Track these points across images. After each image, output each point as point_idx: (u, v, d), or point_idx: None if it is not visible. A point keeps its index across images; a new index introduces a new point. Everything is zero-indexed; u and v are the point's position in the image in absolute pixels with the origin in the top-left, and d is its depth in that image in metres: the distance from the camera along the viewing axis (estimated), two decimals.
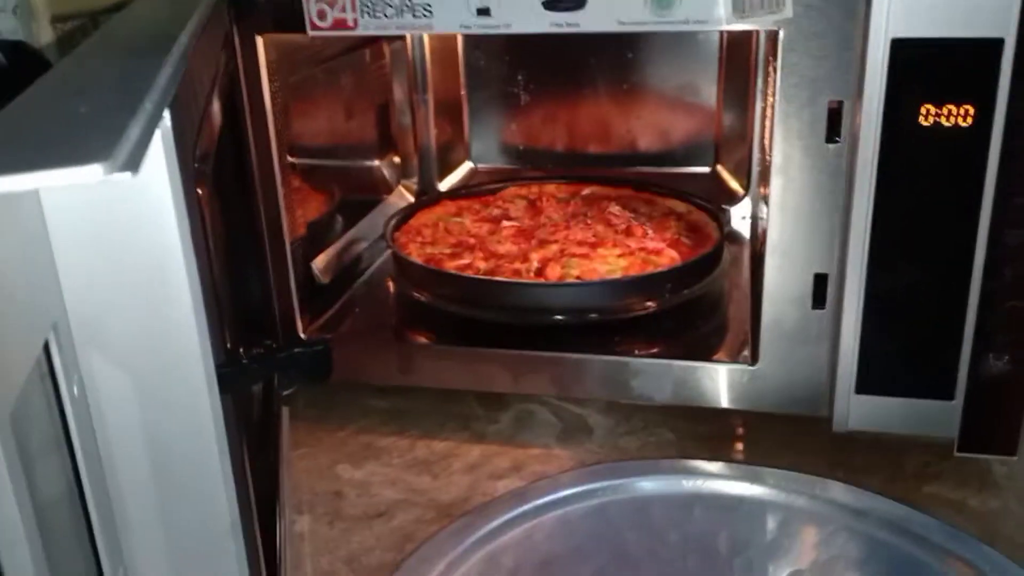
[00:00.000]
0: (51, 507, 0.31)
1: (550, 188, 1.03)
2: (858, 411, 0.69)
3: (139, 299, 0.34)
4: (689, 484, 0.67)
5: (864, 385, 0.68)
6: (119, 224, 0.32)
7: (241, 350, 0.47)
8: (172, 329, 0.35)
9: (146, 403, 0.36)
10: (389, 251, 0.92)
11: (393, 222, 0.94)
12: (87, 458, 0.34)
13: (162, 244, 0.33)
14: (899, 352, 0.67)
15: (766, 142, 0.74)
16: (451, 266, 0.86)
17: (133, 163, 0.26)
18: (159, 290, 0.34)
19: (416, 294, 0.86)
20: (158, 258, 0.33)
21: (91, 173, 0.25)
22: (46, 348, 0.32)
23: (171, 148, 0.32)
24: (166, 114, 0.32)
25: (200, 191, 0.38)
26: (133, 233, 0.33)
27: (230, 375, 0.38)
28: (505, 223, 0.96)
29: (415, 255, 0.88)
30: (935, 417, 0.68)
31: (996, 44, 0.58)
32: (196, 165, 0.38)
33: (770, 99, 0.69)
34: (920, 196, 0.63)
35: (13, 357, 0.28)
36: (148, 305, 0.34)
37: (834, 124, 0.64)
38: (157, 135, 0.31)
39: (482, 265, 0.86)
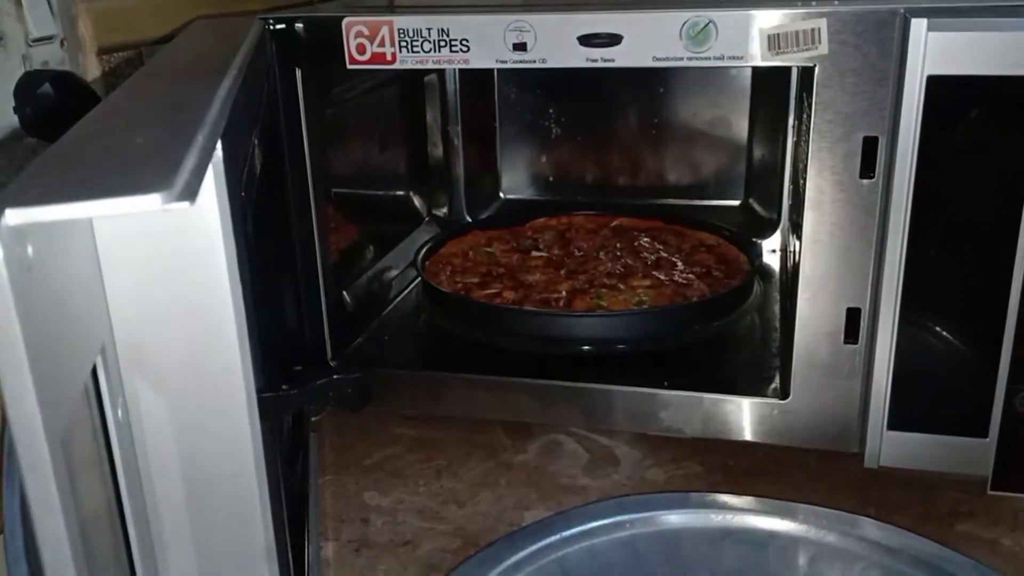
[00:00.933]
0: (92, 525, 0.32)
1: (579, 219, 1.04)
2: (890, 447, 0.69)
3: (185, 325, 0.35)
4: (719, 518, 0.66)
5: (896, 421, 0.68)
6: (168, 252, 0.33)
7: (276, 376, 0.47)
8: (216, 355, 0.35)
9: (187, 427, 0.36)
10: (418, 280, 0.92)
11: (424, 251, 0.94)
12: (128, 479, 0.35)
13: (210, 272, 0.33)
14: (932, 389, 0.66)
15: (799, 176, 0.74)
16: (480, 295, 0.87)
17: (190, 193, 0.26)
18: (205, 317, 0.34)
19: (445, 323, 0.87)
20: (206, 286, 0.34)
21: (150, 202, 0.26)
22: (93, 372, 0.33)
23: (221, 179, 0.33)
24: (218, 145, 0.32)
25: (245, 219, 0.39)
26: (182, 261, 0.33)
27: (270, 401, 0.38)
28: (535, 253, 0.97)
29: (445, 284, 0.89)
30: (968, 455, 0.67)
31: None
32: (242, 194, 0.39)
33: (803, 133, 0.69)
34: (955, 233, 0.63)
35: (65, 381, 0.29)
36: (193, 331, 0.35)
37: (868, 160, 0.64)
38: (209, 166, 0.32)
39: (511, 295, 0.87)
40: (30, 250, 0.26)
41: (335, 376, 0.43)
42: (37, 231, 0.26)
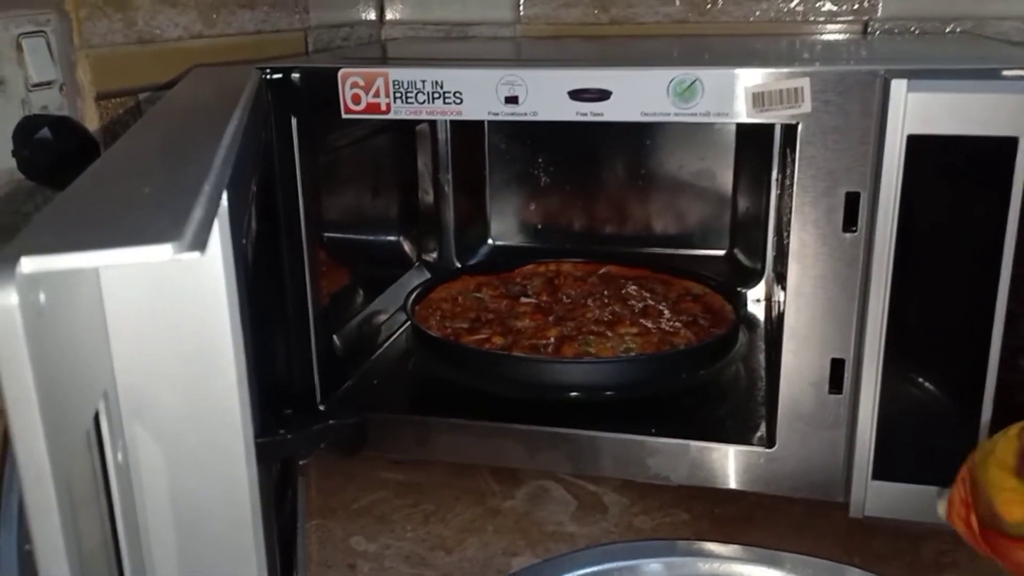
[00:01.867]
0: (89, 565, 0.32)
1: (567, 266, 1.05)
2: (874, 497, 0.69)
3: (185, 371, 0.35)
4: (706, 567, 0.67)
5: (881, 471, 0.68)
6: (172, 300, 0.34)
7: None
8: (216, 402, 0.36)
9: (185, 472, 0.37)
10: (407, 324, 0.93)
11: (413, 296, 0.95)
12: (126, 522, 0.35)
13: (213, 321, 0.34)
14: (916, 439, 0.67)
15: (783, 228, 0.75)
16: (469, 340, 0.87)
17: (200, 243, 0.27)
18: (206, 364, 0.35)
19: (434, 367, 0.87)
20: (207, 334, 0.34)
21: (161, 252, 0.26)
22: (95, 416, 0.33)
23: (226, 228, 0.34)
24: (224, 195, 0.33)
25: (247, 267, 0.40)
26: (186, 309, 0.34)
27: (267, 446, 0.39)
28: (523, 299, 0.97)
29: (435, 329, 0.89)
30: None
31: (1011, 143, 0.60)
32: (243, 242, 0.40)
33: (786, 187, 0.71)
34: (937, 286, 0.64)
35: (70, 425, 0.29)
36: (194, 378, 0.35)
37: (851, 214, 0.65)
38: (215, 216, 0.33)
39: (500, 340, 0.87)
40: (42, 297, 0.27)
41: (331, 421, 0.43)
42: (48, 279, 0.27)
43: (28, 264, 0.26)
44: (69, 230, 0.29)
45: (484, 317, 0.93)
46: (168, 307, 0.34)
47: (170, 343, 0.35)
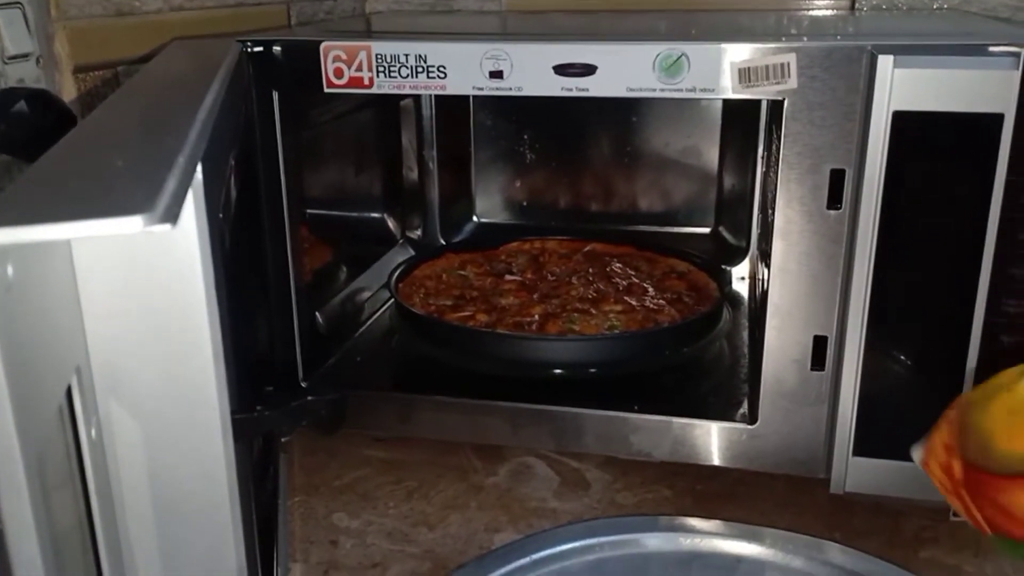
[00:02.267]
0: (63, 544, 0.32)
1: (552, 244, 1.05)
2: (855, 473, 0.70)
3: (160, 347, 0.35)
4: (687, 542, 0.67)
5: (862, 448, 0.69)
6: (146, 274, 0.33)
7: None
8: (191, 377, 0.35)
9: (161, 448, 0.36)
10: (391, 302, 0.93)
11: (397, 273, 0.95)
12: (100, 499, 0.35)
13: (188, 295, 0.34)
14: (897, 415, 0.68)
15: (768, 205, 0.75)
16: (453, 318, 0.87)
17: (171, 215, 0.27)
18: (181, 339, 0.35)
19: (418, 345, 0.87)
20: (182, 308, 0.34)
21: (131, 224, 0.26)
22: (68, 391, 0.33)
23: (201, 201, 0.33)
24: (198, 168, 0.33)
25: (223, 241, 0.39)
26: (160, 283, 0.34)
27: (244, 423, 0.38)
28: (508, 277, 0.97)
29: (418, 306, 0.89)
30: (932, 481, 0.68)
31: (996, 119, 0.60)
32: (220, 215, 0.39)
33: (772, 164, 0.71)
34: (919, 263, 0.64)
35: (41, 401, 0.29)
36: (169, 353, 0.35)
37: (835, 191, 0.65)
38: (191, 192, 0.32)
39: (484, 318, 0.87)
40: (10, 270, 0.26)
41: (309, 397, 0.43)
42: (17, 251, 0.27)
43: None
44: (39, 202, 0.28)
45: (468, 295, 0.93)
46: (142, 281, 0.33)
47: (145, 318, 0.34)
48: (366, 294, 0.97)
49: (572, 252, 1.03)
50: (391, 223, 1.08)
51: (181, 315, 0.34)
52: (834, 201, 0.65)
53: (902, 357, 0.66)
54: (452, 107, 1.09)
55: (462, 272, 0.98)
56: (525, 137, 1.10)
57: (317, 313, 0.86)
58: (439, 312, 0.88)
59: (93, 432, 0.34)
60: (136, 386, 0.35)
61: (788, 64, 0.64)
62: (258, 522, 0.51)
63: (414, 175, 1.09)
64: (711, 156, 1.07)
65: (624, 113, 1.07)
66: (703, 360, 0.86)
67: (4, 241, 0.25)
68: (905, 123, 0.62)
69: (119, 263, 0.33)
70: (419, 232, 1.12)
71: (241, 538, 0.39)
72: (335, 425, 0.43)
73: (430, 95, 1.05)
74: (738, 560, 0.66)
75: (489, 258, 1.02)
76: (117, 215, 0.26)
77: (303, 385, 0.81)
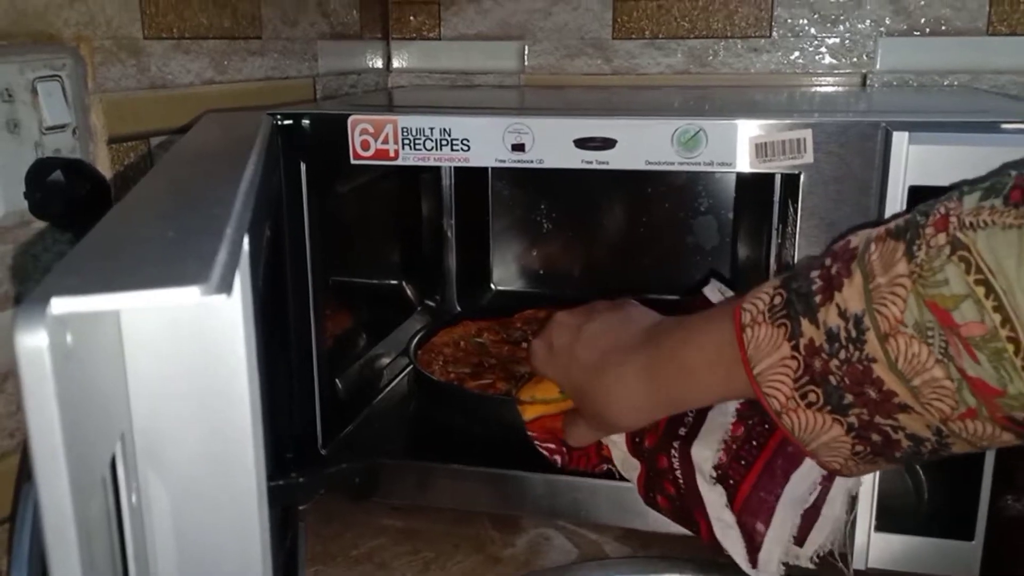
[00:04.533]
0: None
1: None
2: (877, 549, 0.69)
3: (201, 415, 0.35)
4: None
5: (883, 524, 0.68)
6: (191, 343, 0.34)
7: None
8: (230, 445, 0.36)
9: (197, 513, 0.37)
10: (408, 368, 0.93)
11: (416, 340, 0.95)
12: (138, 566, 0.35)
13: (230, 364, 0.34)
14: (918, 491, 0.67)
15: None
16: (473, 386, 0.87)
17: (226, 285, 0.28)
18: (222, 406, 0.35)
19: (437, 412, 0.87)
20: (224, 378, 0.35)
21: (188, 295, 0.27)
22: (112, 458, 0.33)
23: (247, 272, 0.34)
24: (245, 239, 0.34)
25: (264, 312, 0.40)
26: (203, 352, 0.34)
27: (278, 490, 0.39)
28: (524, 345, 0.98)
29: (437, 374, 0.89)
30: (954, 557, 0.68)
31: None
32: (260, 285, 0.40)
33: (788, 236, 0.72)
34: None
35: (89, 467, 0.29)
36: (209, 421, 0.36)
37: None
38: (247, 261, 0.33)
39: (503, 386, 0.87)
40: (69, 338, 0.27)
41: (344, 465, 0.43)
42: (74, 320, 0.28)
43: (58, 305, 0.26)
44: (96, 272, 0.29)
45: (486, 362, 0.93)
46: (187, 350, 0.34)
47: (187, 385, 0.35)
48: (384, 361, 0.98)
49: None
50: (409, 290, 1.10)
51: (223, 383, 0.35)
52: None
53: None
54: (471, 177, 1.11)
55: (479, 340, 0.99)
56: (542, 207, 1.12)
57: (337, 380, 0.86)
58: (459, 380, 0.89)
59: (134, 498, 0.34)
60: (176, 453, 0.35)
61: (804, 140, 0.66)
62: None
63: (432, 243, 1.11)
64: (726, 227, 1.08)
65: (640, 184, 1.09)
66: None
67: (66, 311, 0.26)
68: (921, 198, 0.62)
69: (166, 332, 0.34)
70: (437, 299, 1.13)
71: None
72: (368, 492, 0.43)
73: (451, 166, 1.07)
74: None
75: (505, 326, 1.03)
76: (174, 285, 0.27)
77: (323, 452, 0.81)
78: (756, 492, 0.65)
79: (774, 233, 1.00)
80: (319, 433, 0.80)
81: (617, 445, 0.71)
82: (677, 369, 0.61)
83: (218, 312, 0.33)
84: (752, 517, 0.65)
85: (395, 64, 1.22)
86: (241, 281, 0.34)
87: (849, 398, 0.51)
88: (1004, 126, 0.62)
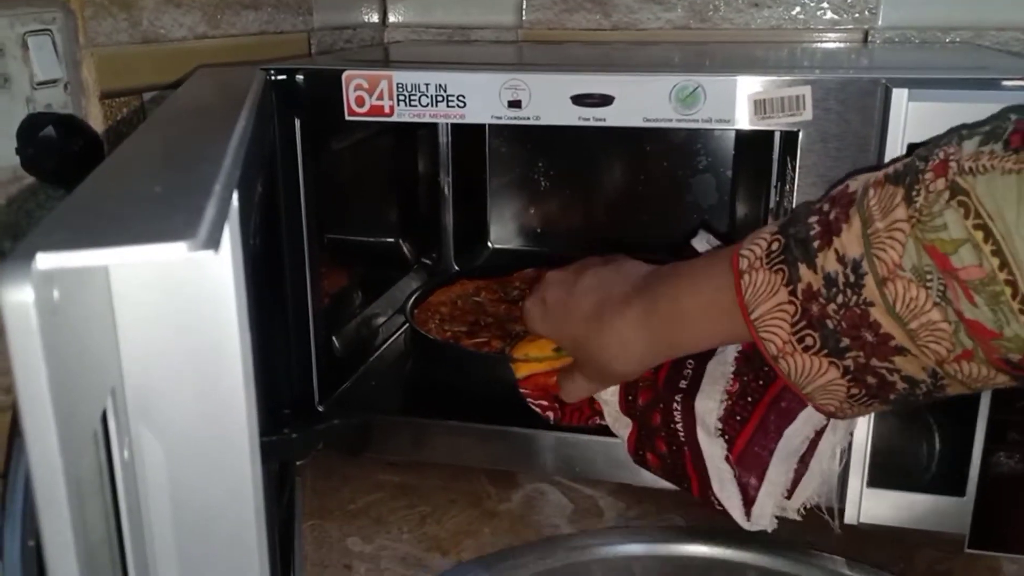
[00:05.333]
0: (95, 560, 0.32)
1: None
2: (869, 505, 0.70)
3: (192, 371, 0.35)
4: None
5: (876, 479, 0.69)
6: (181, 299, 0.34)
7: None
8: (222, 400, 0.36)
9: (190, 468, 0.37)
10: (405, 327, 0.93)
11: (413, 299, 0.95)
12: (131, 521, 0.35)
13: (221, 319, 0.34)
14: (911, 448, 0.68)
15: None
16: (468, 343, 0.88)
17: (213, 241, 0.27)
18: (213, 363, 0.35)
19: (433, 370, 0.87)
20: (215, 333, 0.34)
21: (176, 250, 0.27)
22: (103, 413, 0.33)
23: (236, 227, 0.34)
24: (234, 195, 0.34)
25: (255, 268, 0.40)
26: (194, 308, 0.34)
27: (271, 445, 0.39)
28: (520, 304, 0.98)
29: (434, 332, 0.90)
30: (946, 513, 0.68)
31: None
32: (251, 242, 0.40)
33: (785, 194, 0.71)
34: None
35: (80, 423, 0.30)
36: (201, 377, 0.35)
37: None
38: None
39: (498, 344, 0.88)
40: (56, 294, 0.27)
41: (336, 421, 0.44)
42: (61, 276, 0.27)
43: (44, 260, 0.26)
44: (83, 228, 0.29)
45: (483, 321, 0.93)
46: (177, 305, 0.34)
47: (178, 341, 0.35)
48: (381, 319, 0.98)
49: None
50: (406, 248, 1.09)
51: (214, 338, 0.35)
52: None
53: None
54: (468, 134, 1.11)
55: (477, 298, 0.99)
56: (540, 164, 1.12)
57: (334, 337, 0.87)
58: (455, 338, 0.89)
59: (126, 453, 0.34)
60: (168, 408, 0.35)
61: (803, 96, 0.65)
62: (279, 545, 0.52)
63: (429, 201, 1.10)
64: (724, 184, 1.08)
65: (638, 141, 1.08)
66: None
67: (53, 266, 0.26)
68: None
69: (155, 287, 0.33)
70: (434, 257, 1.12)
71: (267, 560, 0.39)
72: (360, 447, 0.44)
73: (447, 123, 1.06)
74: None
75: (503, 284, 1.03)
76: (161, 241, 0.27)
77: (319, 409, 0.81)
78: (751, 447, 0.65)
79: (773, 191, 1.00)
80: (316, 390, 0.81)
81: (609, 404, 0.72)
82: (675, 314, 0.61)
83: (207, 268, 0.33)
84: (747, 471, 0.66)
85: (391, 19, 1.21)
86: (231, 237, 0.34)
87: (846, 342, 0.52)
88: (1005, 83, 0.62)
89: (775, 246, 0.55)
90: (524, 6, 1.15)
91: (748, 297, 0.55)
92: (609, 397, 0.72)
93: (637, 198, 1.11)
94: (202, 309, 0.34)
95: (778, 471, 0.66)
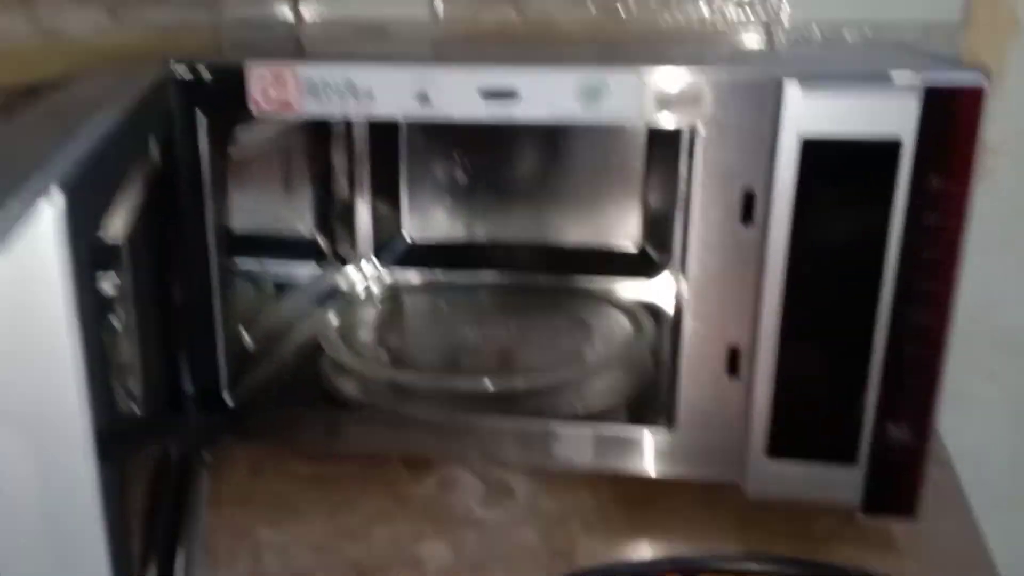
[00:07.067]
0: None
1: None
2: (769, 476, 0.73)
3: (24, 370, 0.36)
4: None
5: (774, 450, 0.72)
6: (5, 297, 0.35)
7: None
8: (56, 397, 0.37)
9: (33, 466, 0.37)
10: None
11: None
12: None
13: (48, 318, 0.35)
14: (808, 419, 0.71)
15: (687, 223, 0.77)
16: None
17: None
18: (46, 359, 0.36)
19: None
20: (43, 330, 0.35)
21: None
22: None
23: (62, 227, 0.34)
24: (58, 194, 0.34)
25: (110, 268, 0.40)
26: (19, 307, 0.35)
27: (115, 436, 0.39)
28: None
29: None
30: (841, 481, 0.72)
31: (894, 145, 0.64)
32: (109, 244, 0.41)
33: (690, 185, 0.73)
34: (826, 276, 0.68)
35: None
36: (33, 375, 0.36)
37: (748, 210, 0.68)
38: (48, 214, 0.34)
39: None
40: None
41: (243, 411, 0.44)
42: None
43: None
44: None
45: None
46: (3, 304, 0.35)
47: (9, 339, 0.35)
48: (297, 312, 0.98)
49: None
50: (322, 242, 1.09)
51: (43, 337, 0.35)
52: (747, 220, 0.68)
53: (812, 363, 0.70)
54: (383, 127, 1.10)
55: None
56: (455, 157, 1.12)
57: (244, 331, 0.86)
58: None
59: None
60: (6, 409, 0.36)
61: (702, 91, 0.67)
62: (171, 538, 0.51)
63: (345, 195, 1.10)
64: (636, 177, 1.10)
65: (552, 135, 1.10)
66: (625, 370, 0.88)
67: None
68: (812, 148, 0.65)
69: None
70: (350, 251, 1.12)
71: (111, 551, 0.39)
72: (274, 438, 0.43)
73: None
74: None
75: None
76: None
77: (226, 399, 0.80)
78: None
79: (680, 182, 1.02)
80: (223, 380, 0.79)
81: None
82: None
83: (31, 268, 0.34)
84: None
85: (305, 16, 1.20)
86: (56, 232, 0.34)
87: None
88: (893, 75, 0.64)
89: None
90: (439, 1, 1.15)
91: None
92: None
93: (553, 190, 1.12)
94: (30, 308, 0.35)
95: None
